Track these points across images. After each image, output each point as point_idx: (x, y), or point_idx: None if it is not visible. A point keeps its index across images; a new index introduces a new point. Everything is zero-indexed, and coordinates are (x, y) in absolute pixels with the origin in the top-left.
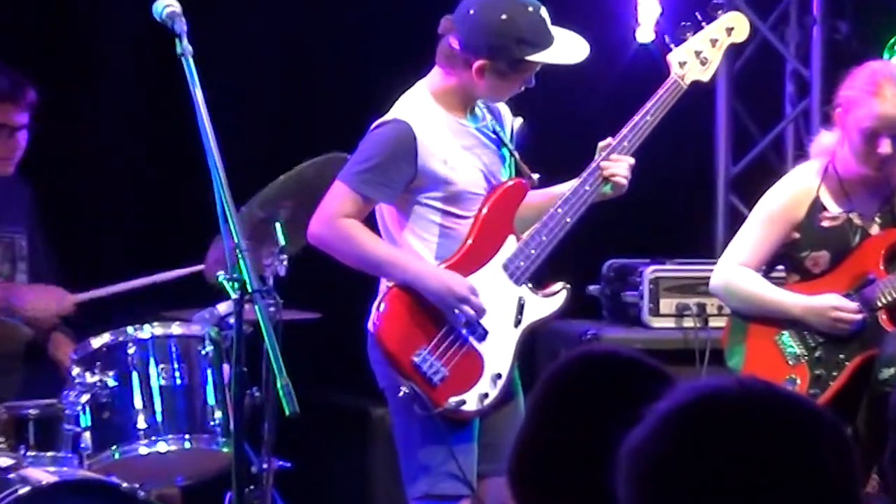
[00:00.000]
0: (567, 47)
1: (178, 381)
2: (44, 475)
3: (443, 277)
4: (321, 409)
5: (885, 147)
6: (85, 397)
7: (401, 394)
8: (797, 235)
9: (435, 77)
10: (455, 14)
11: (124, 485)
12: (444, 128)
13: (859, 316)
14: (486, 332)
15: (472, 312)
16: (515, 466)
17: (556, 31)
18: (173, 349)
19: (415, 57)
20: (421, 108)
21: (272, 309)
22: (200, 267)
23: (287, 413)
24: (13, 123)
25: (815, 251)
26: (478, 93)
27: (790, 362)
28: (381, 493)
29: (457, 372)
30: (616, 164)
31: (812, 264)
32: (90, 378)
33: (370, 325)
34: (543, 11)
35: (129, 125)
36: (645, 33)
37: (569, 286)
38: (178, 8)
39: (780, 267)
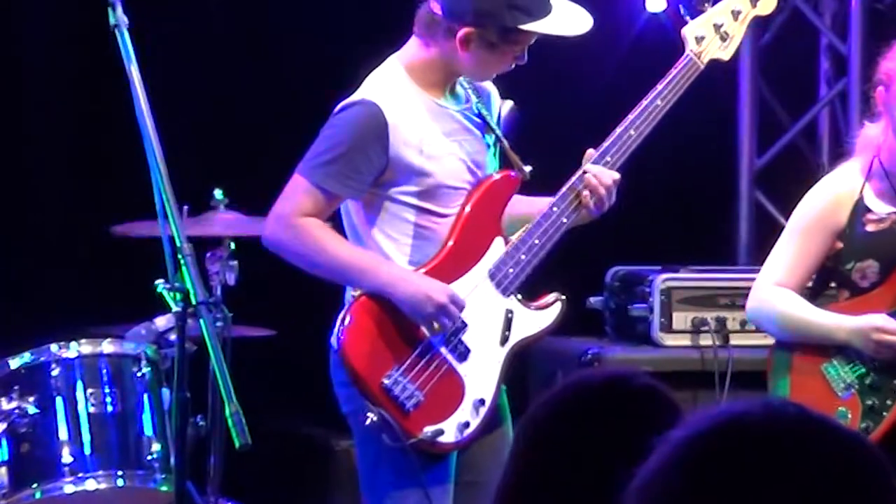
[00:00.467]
0: (566, 18)
1: (110, 408)
2: None
3: (419, 283)
4: (276, 441)
5: None
6: (1, 427)
7: (368, 422)
8: (840, 245)
9: (411, 49)
10: None
11: None
12: (421, 109)
13: None
14: (467, 351)
15: (451, 325)
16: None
17: None
18: (104, 371)
19: (389, 26)
20: (393, 86)
21: (220, 324)
22: None
23: (237, 445)
24: None
25: (861, 261)
26: (461, 68)
27: (839, 394)
28: None
29: (433, 397)
30: (596, 180)
31: (860, 277)
32: (7, 405)
33: (333, 342)
34: None
35: (51, 112)
36: (656, 1)
37: (564, 297)
38: None
39: (833, 284)
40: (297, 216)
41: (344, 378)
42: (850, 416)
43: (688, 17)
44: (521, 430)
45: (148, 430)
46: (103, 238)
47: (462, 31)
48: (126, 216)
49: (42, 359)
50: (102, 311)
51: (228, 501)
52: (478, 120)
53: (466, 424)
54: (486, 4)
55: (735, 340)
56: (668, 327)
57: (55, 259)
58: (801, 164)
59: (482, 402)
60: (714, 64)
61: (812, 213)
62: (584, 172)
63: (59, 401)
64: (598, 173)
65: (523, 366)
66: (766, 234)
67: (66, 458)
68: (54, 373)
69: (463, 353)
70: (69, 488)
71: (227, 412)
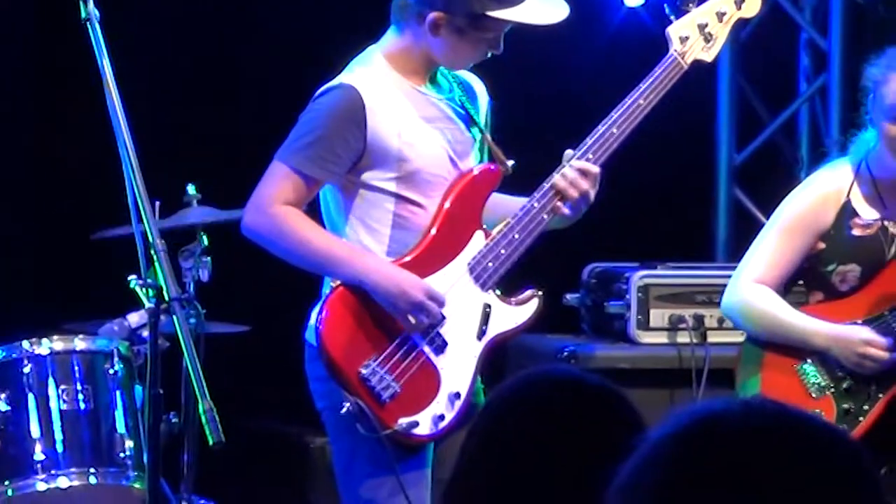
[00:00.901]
0: (539, 7)
1: (83, 406)
2: None
3: (397, 278)
4: (250, 438)
5: None
6: None
7: (344, 410)
8: (822, 246)
9: (388, 37)
10: None
11: None
12: (400, 95)
13: (888, 354)
14: (445, 344)
15: (427, 321)
16: None
17: None
18: (76, 367)
19: (367, 17)
20: (372, 72)
21: (193, 320)
22: None
23: (210, 442)
24: None
25: (844, 265)
26: (433, 55)
27: (813, 395)
28: None
29: (410, 389)
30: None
31: (839, 280)
32: None
33: (309, 334)
34: None
35: (17, 103)
36: None
37: (541, 293)
38: None
39: (802, 283)
40: (275, 204)
41: (319, 373)
42: (823, 417)
43: (672, 17)
44: (475, 425)
45: (121, 427)
46: (76, 233)
47: (431, 16)
48: (99, 211)
49: (14, 355)
50: (75, 307)
51: (202, 499)
52: (461, 111)
53: (441, 417)
54: None
55: (712, 338)
56: (645, 325)
57: (27, 255)
58: (780, 161)
59: (458, 395)
60: (696, 64)
61: (798, 212)
62: (566, 167)
63: (30, 398)
64: (581, 167)
65: (500, 363)
66: (745, 231)
67: (39, 455)
68: (26, 369)
69: (440, 346)
70: (41, 486)
71: (201, 409)
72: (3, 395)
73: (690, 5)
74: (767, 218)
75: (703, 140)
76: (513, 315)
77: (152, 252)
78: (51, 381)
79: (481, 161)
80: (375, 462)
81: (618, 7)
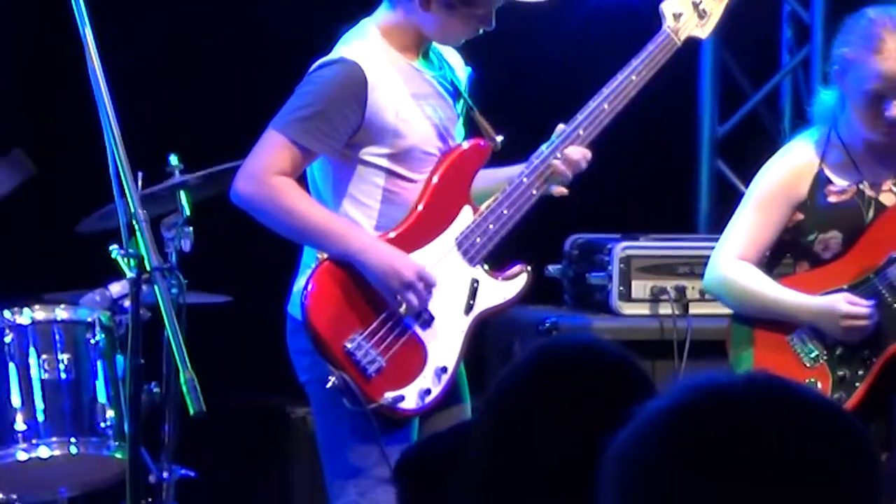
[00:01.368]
0: None
1: (63, 375)
2: None
3: (390, 256)
4: (232, 409)
5: (893, 110)
6: None
7: (329, 384)
8: (801, 217)
9: (382, 11)
10: None
11: None
12: (397, 71)
13: (868, 322)
14: (431, 319)
15: (416, 302)
16: (460, 494)
17: None
18: (57, 337)
19: None
20: (370, 47)
21: (174, 290)
22: None
23: (191, 412)
24: None
25: (824, 233)
26: (424, 30)
27: (807, 364)
28: None
29: (395, 363)
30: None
31: (822, 248)
32: None
33: (293, 307)
34: None
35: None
36: None
37: (529, 269)
38: None
39: (789, 256)
40: (270, 174)
41: (303, 346)
42: (819, 386)
43: None
44: (486, 411)
45: (102, 397)
46: (56, 203)
47: None
48: (78, 180)
49: None
50: (56, 277)
51: (182, 469)
52: (450, 87)
53: (427, 391)
54: None
55: (694, 309)
56: (626, 296)
57: (6, 224)
58: (762, 133)
59: (444, 369)
60: (690, 40)
61: (772, 186)
62: (558, 148)
63: (11, 367)
64: (571, 152)
65: (480, 334)
66: (727, 203)
67: (20, 424)
68: (7, 339)
69: (427, 321)
70: (22, 455)
71: (182, 379)
72: None
73: None
74: None
75: (685, 112)
76: (501, 290)
77: (134, 222)
78: (32, 350)
79: (464, 135)
80: (360, 434)
81: None
